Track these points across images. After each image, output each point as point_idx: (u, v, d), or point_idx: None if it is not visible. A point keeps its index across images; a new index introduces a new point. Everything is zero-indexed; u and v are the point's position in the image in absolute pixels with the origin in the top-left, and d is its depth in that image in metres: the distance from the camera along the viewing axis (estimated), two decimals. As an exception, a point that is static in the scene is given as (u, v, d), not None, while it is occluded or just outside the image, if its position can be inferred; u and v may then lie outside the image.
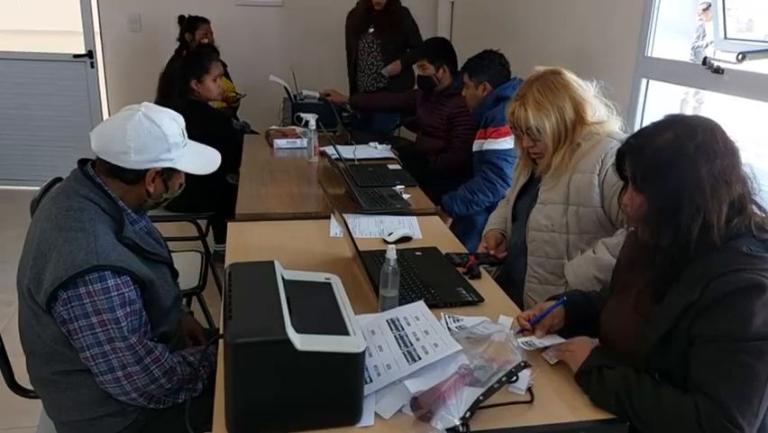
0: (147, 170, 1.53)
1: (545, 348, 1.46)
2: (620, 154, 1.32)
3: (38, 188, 1.79)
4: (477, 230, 2.81)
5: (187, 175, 1.65)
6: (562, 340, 1.48)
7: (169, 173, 1.58)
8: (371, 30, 4.32)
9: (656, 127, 1.27)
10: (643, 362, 1.26)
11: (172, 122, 1.55)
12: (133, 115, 1.49)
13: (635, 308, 1.35)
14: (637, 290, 1.36)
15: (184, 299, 2.42)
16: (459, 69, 3.21)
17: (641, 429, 1.23)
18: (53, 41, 5.52)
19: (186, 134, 1.60)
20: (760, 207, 1.24)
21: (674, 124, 1.25)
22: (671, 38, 2.55)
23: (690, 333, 1.19)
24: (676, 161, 1.20)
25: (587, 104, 1.85)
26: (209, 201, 3.22)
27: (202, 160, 1.66)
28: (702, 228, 1.19)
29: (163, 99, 3.37)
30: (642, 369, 1.26)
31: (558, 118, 1.83)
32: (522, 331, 1.52)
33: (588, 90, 1.88)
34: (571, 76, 1.87)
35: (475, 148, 2.88)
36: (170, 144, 1.53)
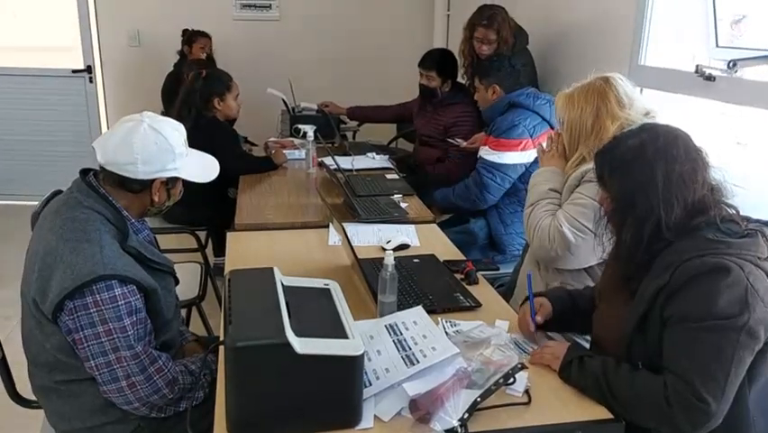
0: (154, 180, 1.55)
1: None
2: (596, 155, 1.42)
3: (37, 203, 1.81)
4: (478, 243, 2.83)
5: (190, 188, 1.68)
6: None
7: (173, 182, 1.61)
8: None
9: (629, 133, 1.38)
10: (625, 350, 1.32)
11: (175, 132, 1.58)
12: (138, 127, 1.52)
13: (614, 302, 1.42)
14: (615, 285, 1.44)
15: (183, 311, 2.42)
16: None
17: (618, 411, 1.28)
18: (52, 58, 5.52)
19: (187, 143, 1.63)
20: (729, 206, 1.32)
21: (644, 130, 1.37)
22: (667, 46, 2.58)
23: (662, 316, 1.26)
24: (636, 161, 1.31)
25: (613, 119, 1.79)
26: (209, 214, 3.23)
27: (201, 167, 1.69)
28: (656, 225, 1.27)
29: (177, 115, 3.30)
30: (625, 359, 1.32)
31: (578, 117, 1.85)
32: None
33: (627, 110, 1.80)
34: (617, 88, 1.81)
35: (479, 152, 2.87)
36: (176, 154, 1.56)
